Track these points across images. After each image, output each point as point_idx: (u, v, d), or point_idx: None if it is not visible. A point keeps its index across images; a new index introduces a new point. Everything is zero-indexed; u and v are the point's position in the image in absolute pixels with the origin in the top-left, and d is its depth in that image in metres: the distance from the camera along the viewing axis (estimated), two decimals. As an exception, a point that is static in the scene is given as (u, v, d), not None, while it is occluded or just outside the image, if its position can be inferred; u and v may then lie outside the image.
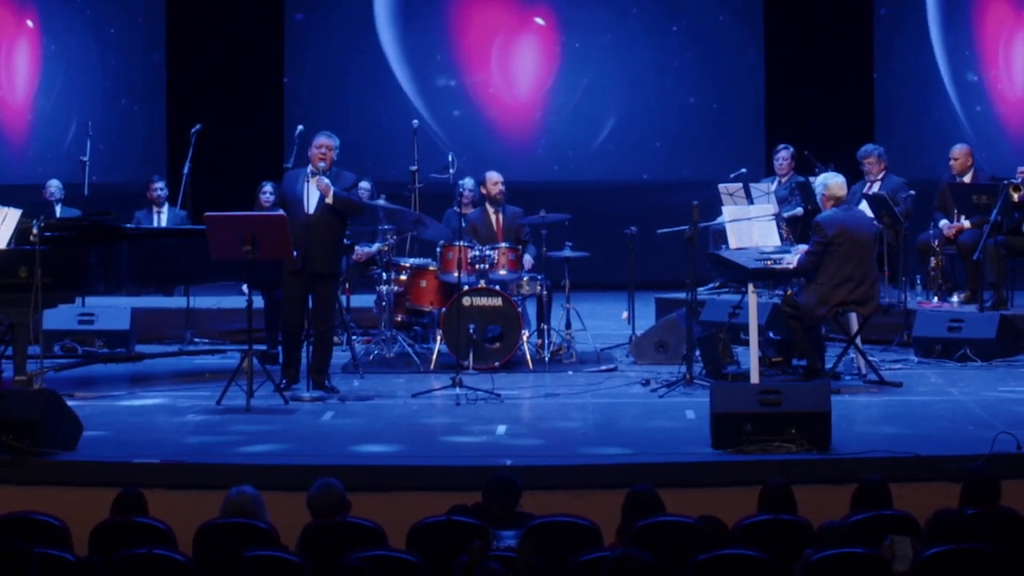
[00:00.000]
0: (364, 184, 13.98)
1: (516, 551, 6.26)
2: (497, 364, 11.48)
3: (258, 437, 9.44)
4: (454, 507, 7.20)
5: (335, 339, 12.09)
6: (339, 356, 11.76)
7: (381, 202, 12.59)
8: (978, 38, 16.37)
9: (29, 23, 17.14)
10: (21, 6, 17.18)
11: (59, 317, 11.85)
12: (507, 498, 7.24)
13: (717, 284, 13.88)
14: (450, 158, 13.18)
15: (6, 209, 10.55)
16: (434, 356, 11.66)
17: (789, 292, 11.33)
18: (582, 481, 8.47)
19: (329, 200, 10.57)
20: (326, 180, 10.56)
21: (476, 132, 17.27)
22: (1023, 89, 16.12)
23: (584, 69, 17.39)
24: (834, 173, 11.19)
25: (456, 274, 11.65)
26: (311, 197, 10.63)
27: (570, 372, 11.64)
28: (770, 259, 10.96)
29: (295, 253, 10.35)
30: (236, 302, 12.86)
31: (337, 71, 17.33)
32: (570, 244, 12.31)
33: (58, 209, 13.96)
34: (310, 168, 10.65)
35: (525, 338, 11.74)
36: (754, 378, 10.36)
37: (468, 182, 13.01)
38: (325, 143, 10.67)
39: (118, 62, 17.28)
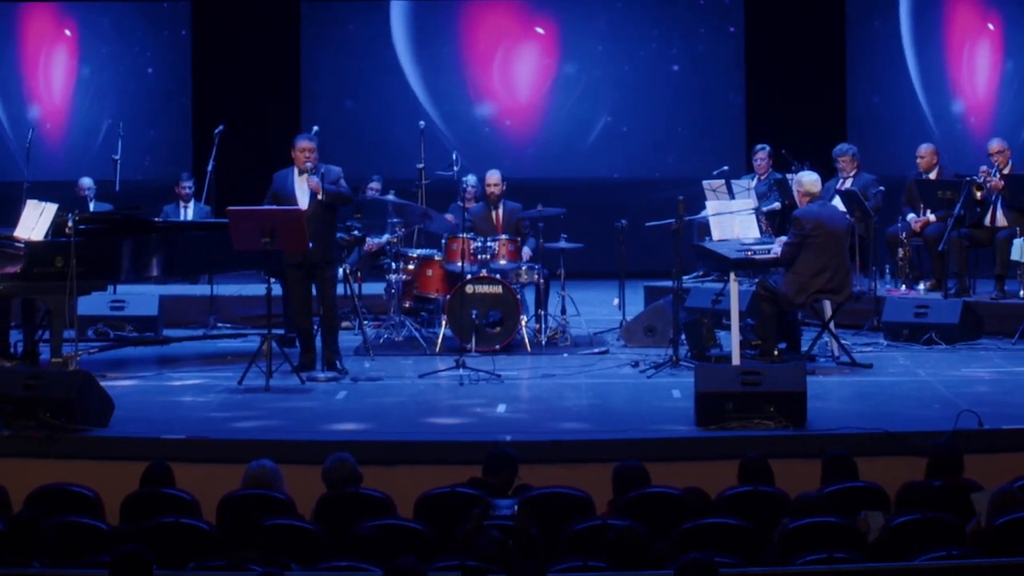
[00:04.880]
0: (373, 182, 13.98)
1: (513, 519, 6.26)
2: (498, 347, 11.47)
3: (277, 414, 9.44)
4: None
5: (348, 324, 12.14)
6: (351, 340, 11.76)
7: (390, 197, 12.57)
8: (946, 42, 16.31)
9: (67, 32, 17.10)
10: (60, 16, 17.16)
11: (92, 303, 11.81)
12: (505, 471, 7.24)
13: (701, 273, 13.85)
14: (454, 156, 13.15)
15: (43, 204, 10.54)
16: (439, 340, 11.65)
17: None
18: (576, 455, 8.46)
19: (320, 196, 10.56)
20: (316, 179, 10.55)
21: (479, 132, 17.23)
22: (987, 92, 16.07)
23: (579, 74, 17.34)
24: (809, 171, 11.18)
25: (460, 264, 11.63)
26: (303, 195, 10.63)
27: (565, 355, 11.62)
28: (750, 250, 10.95)
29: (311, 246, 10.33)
30: (256, 289, 12.83)
31: (350, 75, 17.27)
32: (565, 236, 12.30)
33: (91, 204, 13.93)
34: (297, 168, 10.66)
35: (524, 323, 11.72)
36: (735, 360, 10.35)
37: (471, 179, 12.99)
38: (308, 146, 10.67)
39: (147, 68, 17.23)
